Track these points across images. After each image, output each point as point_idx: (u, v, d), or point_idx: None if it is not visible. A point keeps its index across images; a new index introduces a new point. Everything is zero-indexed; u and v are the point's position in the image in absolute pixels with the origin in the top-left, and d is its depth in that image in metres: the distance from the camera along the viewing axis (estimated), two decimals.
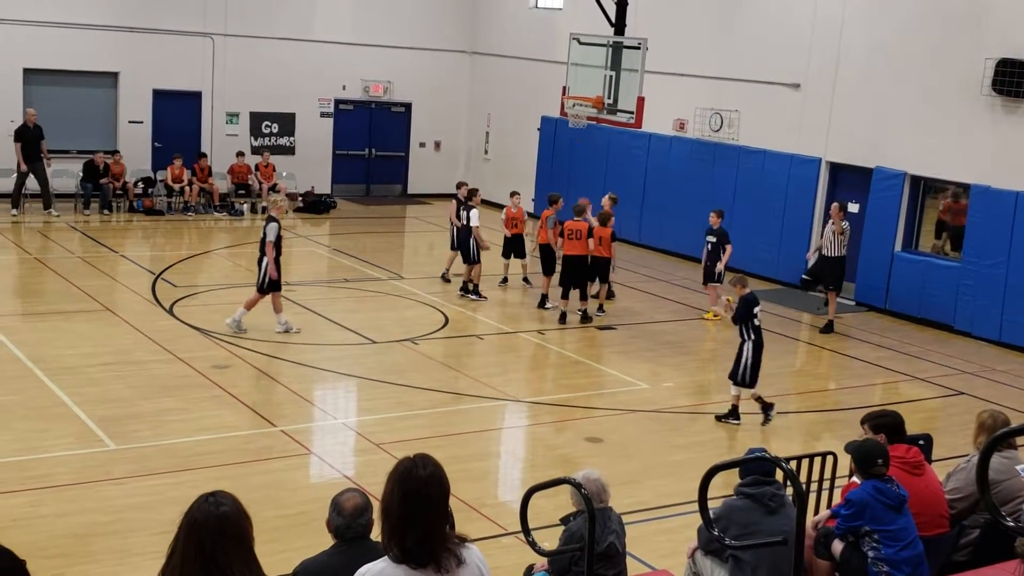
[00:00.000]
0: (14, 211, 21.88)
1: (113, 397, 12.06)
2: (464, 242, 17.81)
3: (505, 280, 18.79)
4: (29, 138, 21.95)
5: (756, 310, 12.40)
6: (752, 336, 12.36)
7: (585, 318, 16.55)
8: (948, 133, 17.80)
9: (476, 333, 15.88)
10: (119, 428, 11.11)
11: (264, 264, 14.67)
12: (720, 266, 17.15)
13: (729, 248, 17.25)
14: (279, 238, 14.66)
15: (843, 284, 17.86)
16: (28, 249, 19.72)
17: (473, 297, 17.48)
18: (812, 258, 18.18)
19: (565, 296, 16.48)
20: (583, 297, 16.60)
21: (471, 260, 17.58)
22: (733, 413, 12.64)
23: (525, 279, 18.85)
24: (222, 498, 3.90)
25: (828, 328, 17.27)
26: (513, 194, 18.94)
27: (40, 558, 8.20)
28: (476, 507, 9.64)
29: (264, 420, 11.70)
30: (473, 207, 17.71)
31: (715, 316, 17.11)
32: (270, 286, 14.74)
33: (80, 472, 10.02)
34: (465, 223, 17.84)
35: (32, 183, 22.39)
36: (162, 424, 11.39)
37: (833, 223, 17.29)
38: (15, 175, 22.06)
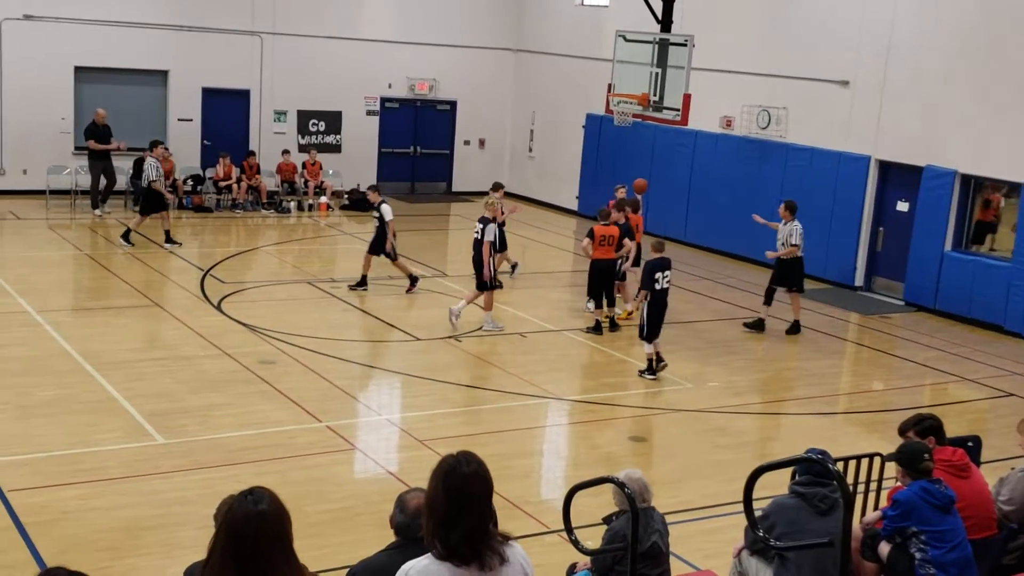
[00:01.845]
0: (97, 211, 22.22)
1: (162, 392, 12.20)
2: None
3: (514, 267, 18.87)
4: (98, 137, 22.26)
5: (658, 275, 13.76)
6: (648, 297, 13.78)
7: (614, 326, 16.07)
8: (1000, 131, 17.57)
9: (520, 331, 15.88)
10: (167, 422, 11.24)
11: (482, 265, 15.48)
12: (626, 264, 16.47)
13: (627, 243, 16.41)
14: (496, 238, 15.71)
15: (804, 283, 16.94)
16: (79, 245, 19.99)
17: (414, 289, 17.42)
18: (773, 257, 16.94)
19: (600, 306, 16.16)
20: (611, 304, 16.13)
21: (391, 255, 17.31)
22: (649, 369, 13.93)
23: (513, 267, 18.92)
24: (260, 495, 3.85)
25: (795, 328, 16.59)
26: (497, 187, 18.99)
27: (89, 551, 8.34)
28: (519, 505, 9.65)
29: (309, 415, 11.79)
30: (384, 202, 17.37)
31: (628, 315, 16.48)
32: (483, 285, 15.58)
33: (129, 466, 10.14)
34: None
35: (84, 180, 22.78)
36: (209, 419, 11.51)
37: (784, 223, 16.52)
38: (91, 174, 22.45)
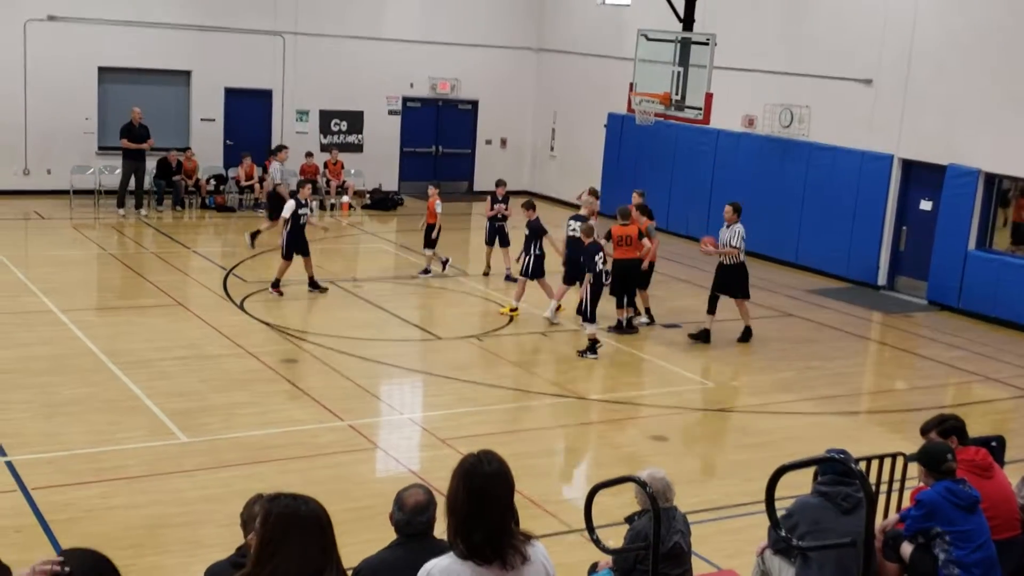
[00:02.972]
0: (121, 211, 22.35)
1: (185, 390, 12.26)
2: (493, 236, 18.62)
3: (427, 271, 18.69)
4: (134, 137, 22.42)
5: (597, 258, 14.61)
6: (591, 280, 14.55)
7: (630, 327, 15.97)
8: None
9: (541, 330, 15.88)
10: (190, 421, 11.29)
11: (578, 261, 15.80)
12: (525, 259, 16.36)
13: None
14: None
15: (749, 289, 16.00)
16: (103, 245, 20.11)
17: (273, 293, 16.65)
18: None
19: (621, 305, 16.15)
20: (630, 304, 16.10)
21: (284, 255, 16.75)
22: (591, 348, 14.54)
23: (427, 270, 18.64)
24: (307, 498, 3.79)
25: (746, 335, 15.82)
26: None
27: (112, 549, 8.31)
28: (541, 504, 9.65)
29: (331, 414, 11.82)
30: (293, 198, 16.97)
31: (513, 311, 16.33)
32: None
33: (152, 464, 10.19)
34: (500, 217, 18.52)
35: (107, 180, 22.95)
36: (232, 417, 11.56)
37: (728, 225, 15.57)
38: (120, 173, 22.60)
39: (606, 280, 14.92)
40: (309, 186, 17.58)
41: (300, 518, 3.72)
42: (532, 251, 16.40)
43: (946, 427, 7.41)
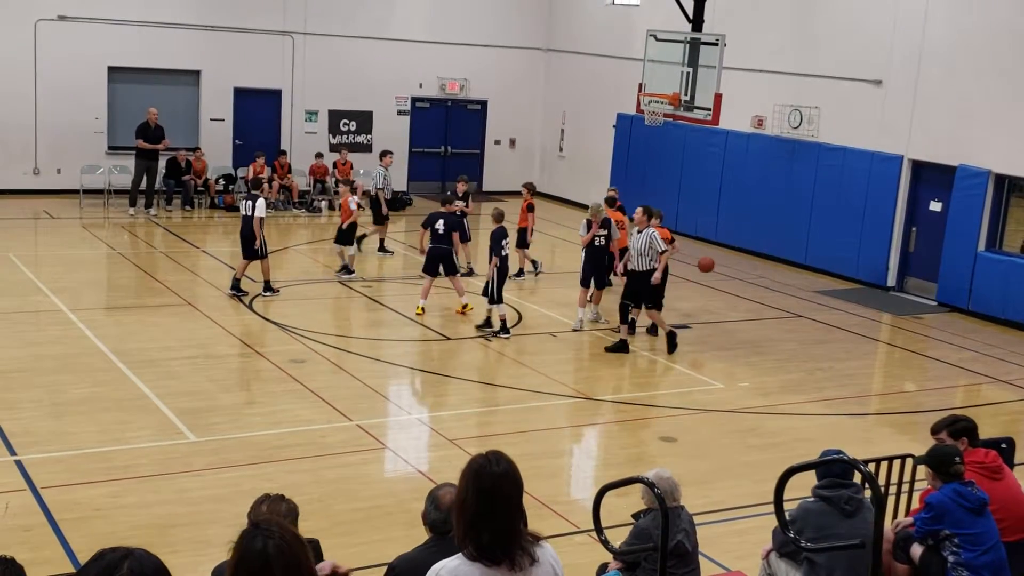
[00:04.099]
0: (131, 211, 22.41)
1: (193, 390, 12.28)
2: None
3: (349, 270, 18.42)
4: (149, 137, 22.45)
5: (503, 243, 15.14)
6: (498, 263, 14.96)
7: (652, 329, 15.91)
8: None
9: (550, 331, 15.87)
10: (199, 420, 11.31)
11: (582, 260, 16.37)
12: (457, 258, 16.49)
13: (455, 236, 16.36)
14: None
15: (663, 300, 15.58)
16: (112, 244, 20.15)
17: (268, 294, 16.58)
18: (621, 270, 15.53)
19: (637, 306, 16.08)
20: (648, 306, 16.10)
21: (262, 255, 16.54)
22: (503, 328, 15.09)
23: (345, 268, 18.33)
24: (274, 528, 3.42)
25: (672, 341, 15.05)
26: (344, 183, 19.11)
27: None
28: (549, 504, 9.64)
29: (340, 414, 11.83)
30: (259, 196, 16.72)
31: (465, 308, 16.24)
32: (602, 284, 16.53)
33: (161, 463, 10.21)
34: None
35: (117, 179, 22.99)
36: (241, 417, 11.57)
37: (639, 230, 14.89)
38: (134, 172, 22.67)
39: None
40: (267, 185, 17.60)
41: (262, 556, 3.36)
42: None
43: (957, 428, 7.39)
